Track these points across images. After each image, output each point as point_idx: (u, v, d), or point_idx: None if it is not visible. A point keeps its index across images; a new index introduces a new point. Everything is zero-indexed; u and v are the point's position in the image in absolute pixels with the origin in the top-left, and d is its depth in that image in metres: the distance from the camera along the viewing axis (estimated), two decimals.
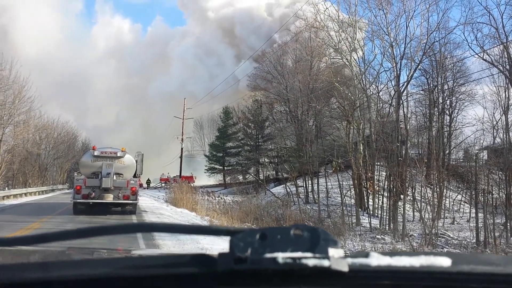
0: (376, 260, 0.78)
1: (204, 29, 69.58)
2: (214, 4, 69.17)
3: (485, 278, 0.81)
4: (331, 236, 0.78)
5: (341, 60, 25.42)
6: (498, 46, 22.31)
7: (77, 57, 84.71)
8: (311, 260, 0.73)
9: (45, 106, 39.44)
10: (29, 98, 33.08)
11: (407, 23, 23.23)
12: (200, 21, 71.16)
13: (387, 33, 23.38)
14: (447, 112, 28.18)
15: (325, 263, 0.73)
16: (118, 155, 16.74)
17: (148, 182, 55.43)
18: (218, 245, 8.07)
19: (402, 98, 23.59)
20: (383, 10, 23.43)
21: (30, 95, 33.16)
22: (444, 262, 0.78)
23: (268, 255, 0.74)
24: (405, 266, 0.78)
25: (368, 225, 19.56)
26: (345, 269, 0.75)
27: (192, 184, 33.96)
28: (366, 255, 0.79)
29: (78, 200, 16.12)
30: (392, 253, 0.80)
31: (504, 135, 22.79)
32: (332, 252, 0.75)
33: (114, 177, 16.28)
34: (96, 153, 16.64)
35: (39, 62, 60.40)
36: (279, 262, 0.73)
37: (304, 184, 28.56)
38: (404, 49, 23.40)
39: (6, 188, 30.91)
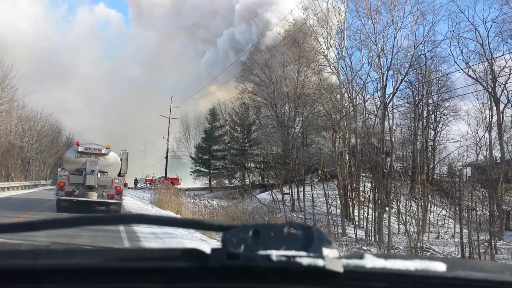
0: (371, 262, 0.77)
1: (183, 29, 69.79)
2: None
3: (480, 284, 0.81)
4: (325, 235, 0.77)
5: (328, 67, 25.56)
6: (483, 63, 22.73)
7: (60, 50, 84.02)
8: (305, 259, 0.72)
9: (28, 97, 38.63)
10: (12, 88, 32.44)
11: (395, 34, 23.62)
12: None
13: (375, 43, 23.66)
14: (432, 126, 28.24)
15: (320, 262, 0.72)
16: (103, 152, 16.32)
17: (136, 182, 54.96)
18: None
19: (388, 109, 23.83)
20: (371, 20, 23.73)
21: (14, 84, 32.53)
22: (440, 267, 0.78)
23: (262, 252, 0.73)
24: (400, 269, 0.77)
25: (354, 236, 19.50)
26: (340, 269, 0.74)
27: (177, 186, 33.74)
28: (361, 256, 0.79)
29: (61, 197, 15.70)
30: (387, 255, 0.79)
31: (487, 153, 23.06)
32: (327, 252, 0.74)
33: (99, 175, 15.87)
34: (80, 149, 16.16)
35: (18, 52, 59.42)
36: (273, 259, 0.72)
37: (290, 191, 28.53)
38: (391, 60, 23.75)
39: None
